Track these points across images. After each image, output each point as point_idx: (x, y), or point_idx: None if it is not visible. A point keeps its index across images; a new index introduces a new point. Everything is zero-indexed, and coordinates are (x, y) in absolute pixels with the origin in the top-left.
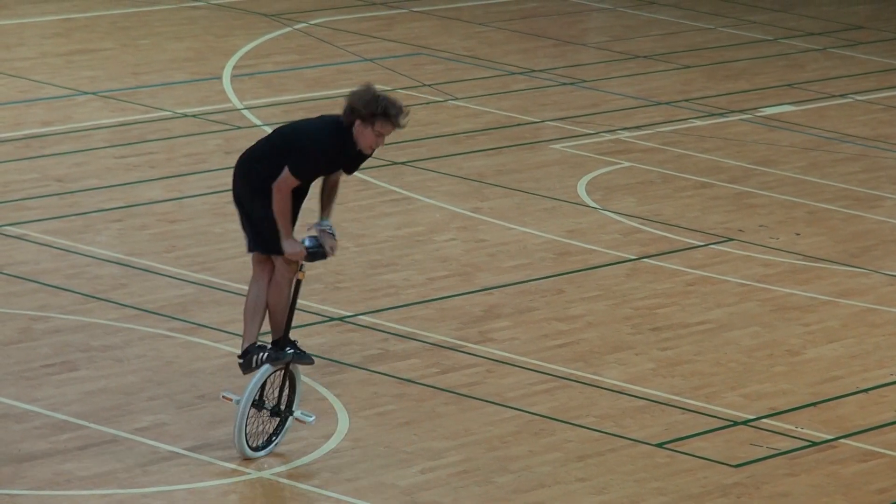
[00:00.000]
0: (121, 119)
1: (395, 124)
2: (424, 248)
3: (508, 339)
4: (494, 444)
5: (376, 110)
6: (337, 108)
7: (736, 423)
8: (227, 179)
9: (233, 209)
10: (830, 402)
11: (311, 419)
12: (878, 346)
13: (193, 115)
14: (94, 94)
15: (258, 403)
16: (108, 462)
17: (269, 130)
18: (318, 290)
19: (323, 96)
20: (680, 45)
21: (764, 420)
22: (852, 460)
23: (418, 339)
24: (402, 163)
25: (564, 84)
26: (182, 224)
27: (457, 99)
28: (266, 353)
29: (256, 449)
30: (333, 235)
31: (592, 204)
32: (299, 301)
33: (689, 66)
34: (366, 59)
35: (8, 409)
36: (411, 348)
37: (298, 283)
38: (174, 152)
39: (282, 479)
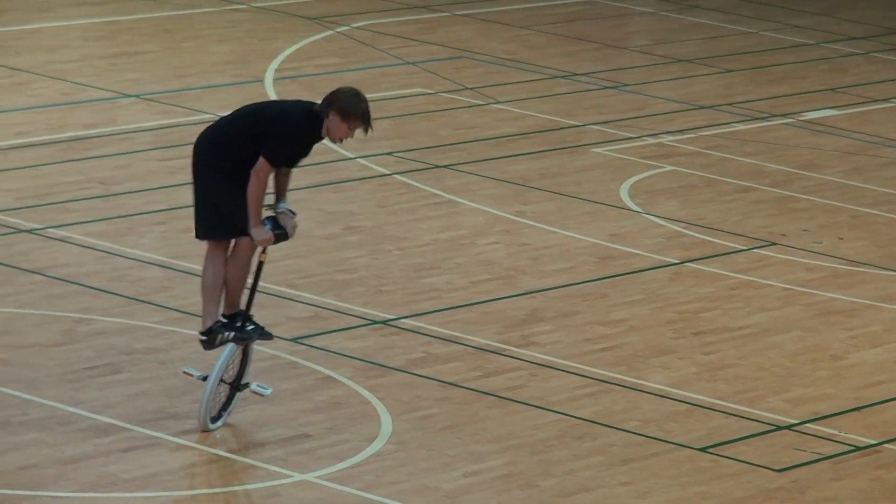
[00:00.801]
0: (164, 122)
1: (365, 130)
2: (467, 251)
3: (551, 342)
4: (537, 447)
5: (358, 111)
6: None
7: (779, 428)
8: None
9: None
10: (874, 407)
11: (268, 392)
12: None
13: None
14: (137, 96)
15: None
16: (151, 465)
17: None
18: (360, 294)
19: None
20: (722, 49)
21: (807, 424)
22: None
23: (461, 343)
24: (445, 166)
25: (607, 88)
26: None
27: (499, 102)
28: (232, 333)
29: (214, 419)
30: (293, 215)
31: (635, 208)
32: (344, 305)
33: (731, 70)
34: (407, 63)
35: (51, 411)
36: (454, 352)
37: (261, 264)
38: None
39: (325, 482)
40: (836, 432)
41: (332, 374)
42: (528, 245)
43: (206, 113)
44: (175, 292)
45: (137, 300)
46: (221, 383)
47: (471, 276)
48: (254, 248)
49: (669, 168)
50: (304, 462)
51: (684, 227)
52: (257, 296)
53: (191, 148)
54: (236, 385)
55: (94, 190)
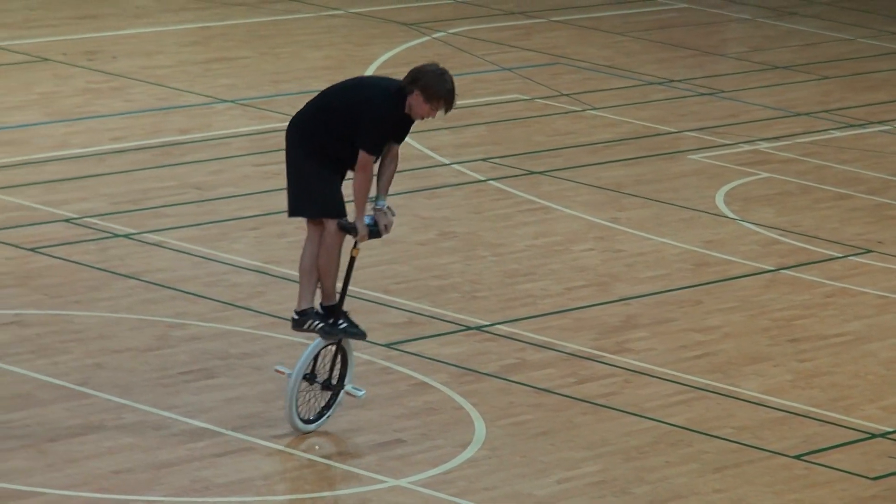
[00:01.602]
0: (259, 127)
1: (446, 110)
2: (562, 257)
3: (646, 349)
4: (631, 454)
5: (442, 92)
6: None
7: (874, 436)
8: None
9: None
10: None
11: (362, 393)
12: None
13: None
14: (232, 102)
15: (310, 377)
16: (245, 469)
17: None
18: (455, 300)
19: (461, 105)
20: (819, 56)
21: None
22: None
23: (555, 349)
24: (540, 172)
25: (703, 94)
26: None
27: (595, 109)
28: (320, 324)
29: (308, 422)
30: (391, 213)
31: (731, 215)
32: (439, 311)
33: (828, 77)
34: (504, 69)
35: (146, 415)
36: (548, 358)
37: (353, 259)
38: None
39: (418, 488)
40: None
41: (426, 379)
42: (622, 251)
43: None
44: (269, 297)
45: (232, 305)
46: (315, 384)
47: (565, 282)
48: (340, 237)
49: (765, 175)
50: (398, 468)
51: (780, 234)
52: (350, 300)
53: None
54: (328, 385)
55: (189, 195)
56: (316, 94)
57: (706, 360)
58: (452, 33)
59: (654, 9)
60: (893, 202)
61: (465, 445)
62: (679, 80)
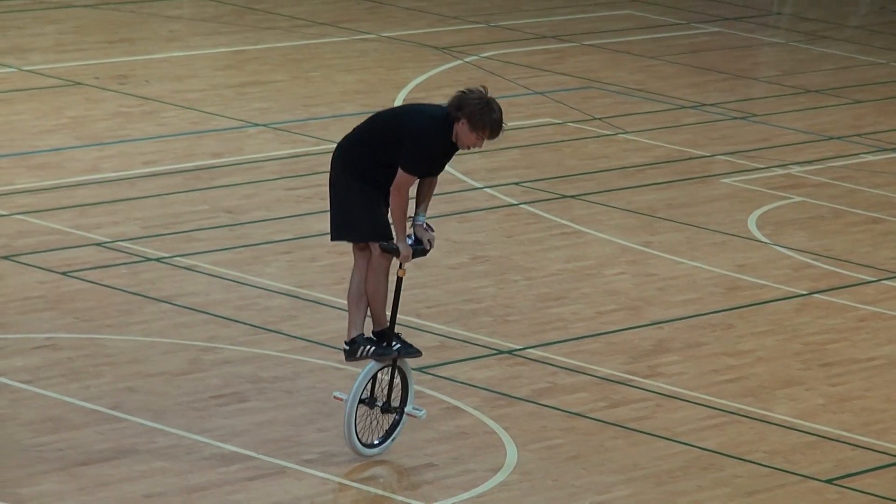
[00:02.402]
0: (291, 151)
1: (492, 139)
2: (594, 281)
3: (677, 373)
4: (663, 478)
5: (489, 122)
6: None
7: None
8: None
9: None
10: None
11: (422, 413)
12: None
13: None
14: (265, 125)
15: (369, 401)
16: (276, 493)
17: None
18: (487, 323)
19: None
20: (852, 80)
21: None
22: None
23: (587, 373)
24: (572, 196)
25: (735, 118)
26: (351, 256)
27: (627, 133)
28: (372, 348)
29: (370, 446)
30: (431, 229)
31: (763, 239)
32: (470, 335)
33: (860, 101)
34: (536, 93)
35: (178, 439)
36: (580, 382)
37: (399, 280)
38: None
39: None
40: None
41: (457, 403)
42: (654, 275)
43: (334, 142)
44: (301, 321)
45: (264, 329)
46: (375, 407)
47: (597, 306)
48: (387, 260)
49: (798, 199)
50: (429, 492)
51: (812, 259)
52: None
53: (317, 178)
54: (388, 408)
55: (221, 219)
56: (363, 118)
57: (738, 384)
58: (484, 57)
59: (686, 33)
60: None
61: (496, 470)
62: (711, 104)
